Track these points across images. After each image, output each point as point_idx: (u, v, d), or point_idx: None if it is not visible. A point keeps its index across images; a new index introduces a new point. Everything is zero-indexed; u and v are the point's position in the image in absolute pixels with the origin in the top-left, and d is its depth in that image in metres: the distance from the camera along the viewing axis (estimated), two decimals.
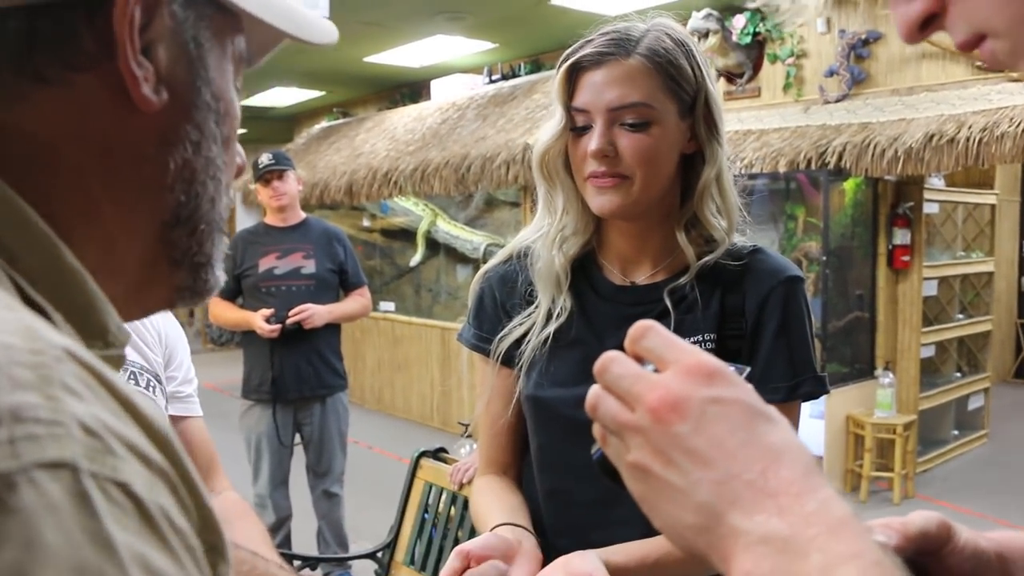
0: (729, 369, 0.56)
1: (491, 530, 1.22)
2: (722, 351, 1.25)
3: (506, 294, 1.36)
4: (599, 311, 1.31)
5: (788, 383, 1.25)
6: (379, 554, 3.12)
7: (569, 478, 1.30)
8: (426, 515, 3.03)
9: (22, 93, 0.49)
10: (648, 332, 0.58)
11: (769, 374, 1.25)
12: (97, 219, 0.53)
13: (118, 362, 0.52)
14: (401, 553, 3.05)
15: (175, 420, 1.49)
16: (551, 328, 1.29)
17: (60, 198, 0.51)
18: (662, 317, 1.27)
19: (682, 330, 1.26)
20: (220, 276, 0.62)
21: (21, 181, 0.48)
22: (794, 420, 1.28)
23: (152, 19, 0.52)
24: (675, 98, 1.23)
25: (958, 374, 6.68)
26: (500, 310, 1.36)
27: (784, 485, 0.50)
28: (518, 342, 1.32)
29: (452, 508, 2.93)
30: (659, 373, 0.56)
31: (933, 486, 5.77)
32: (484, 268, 1.41)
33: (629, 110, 1.20)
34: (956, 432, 6.60)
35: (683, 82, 1.23)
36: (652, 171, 1.22)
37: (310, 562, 3.48)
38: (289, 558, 3.32)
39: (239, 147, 0.64)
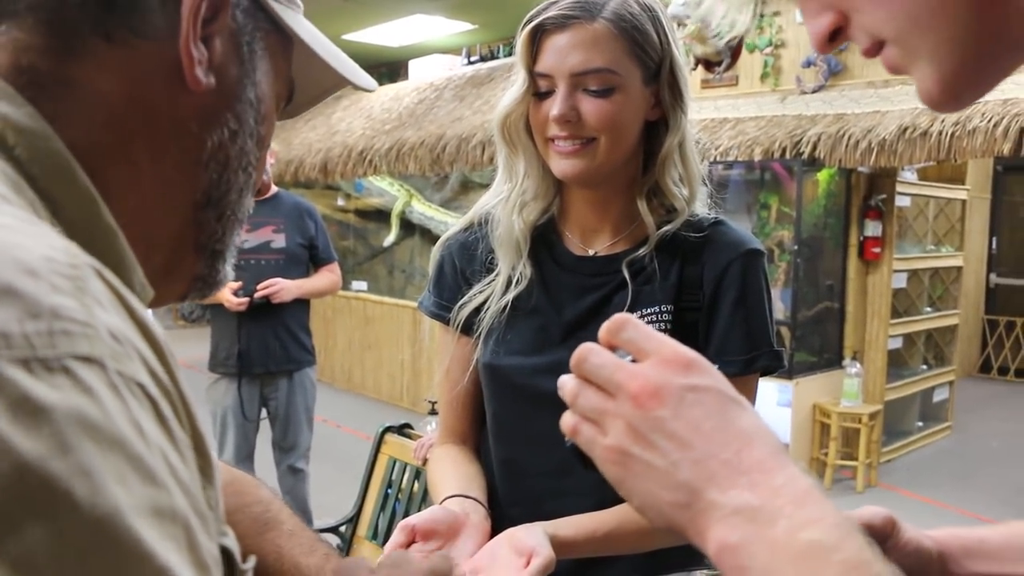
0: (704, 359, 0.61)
1: (441, 502, 1.21)
2: (678, 323, 1.24)
3: (466, 261, 1.35)
4: (558, 281, 1.30)
5: (744, 356, 1.24)
6: (342, 528, 3.11)
7: (522, 447, 1.29)
8: (389, 490, 3.03)
9: (92, 49, 0.55)
10: (627, 324, 0.63)
11: (725, 347, 1.23)
12: (137, 183, 0.57)
13: None
14: (364, 527, 3.05)
15: None
16: (510, 296, 1.28)
17: (107, 156, 0.55)
18: (620, 289, 1.26)
19: (639, 302, 1.25)
20: (230, 270, 0.67)
21: (80, 135, 0.53)
22: (750, 394, 1.27)
23: (216, 15, 0.59)
24: (640, 64, 1.21)
25: (924, 367, 6.75)
26: (460, 277, 1.35)
27: (755, 463, 0.56)
28: (477, 310, 1.31)
29: (416, 483, 2.93)
30: (637, 363, 0.60)
31: (896, 475, 5.84)
32: (445, 235, 1.40)
33: (592, 75, 1.18)
34: (920, 423, 6.68)
35: (648, 48, 1.21)
36: (615, 137, 1.21)
37: None
38: None
39: None
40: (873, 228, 5.85)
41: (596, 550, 1.18)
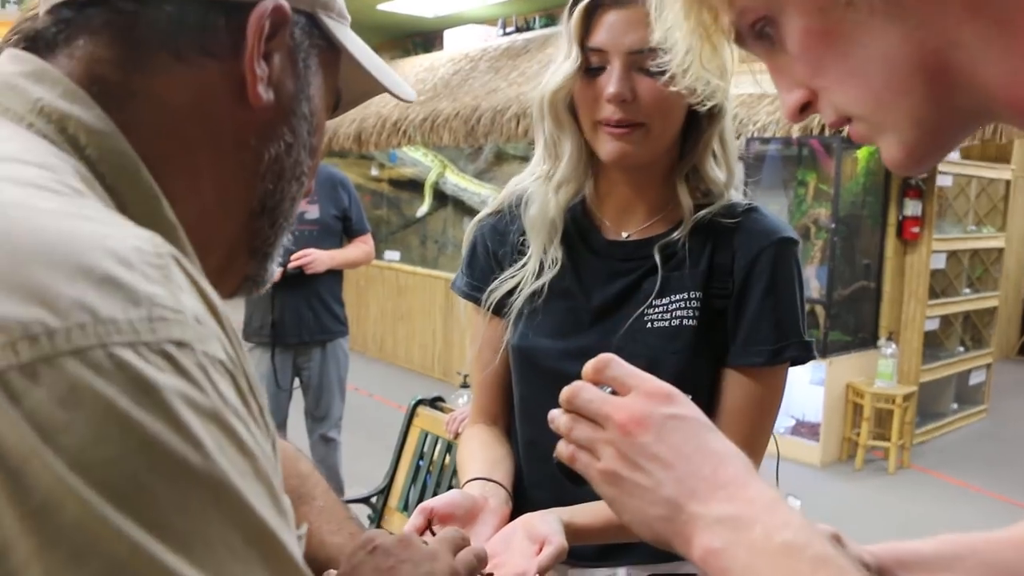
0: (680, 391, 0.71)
1: (464, 484, 1.22)
2: (706, 310, 1.23)
3: (498, 243, 1.34)
4: (589, 265, 1.29)
5: (772, 346, 1.22)
6: (373, 499, 3.14)
7: (547, 430, 1.28)
8: (421, 462, 3.05)
9: (162, 64, 0.59)
10: (611, 363, 0.72)
11: (754, 336, 1.22)
12: (198, 190, 0.61)
13: None
14: (395, 499, 3.07)
15: None
16: (542, 281, 1.27)
17: (170, 165, 0.59)
18: (649, 274, 1.25)
19: (668, 288, 1.24)
20: (276, 268, 0.72)
21: (142, 142, 0.56)
22: (778, 384, 1.25)
23: (276, 33, 0.62)
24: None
25: (961, 348, 6.66)
26: (492, 259, 1.35)
27: (730, 478, 0.65)
28: (510, 292, 1.30)
29: (447, 456, 2.94)
30: (621, 396, 0.70)
31: (928, 457, 5.78)
32: (478, 216, 1.39)
33: (650, 55, 1.15)
34: (955, 406, 6.60)
35: None
36: (667, 119, 1.19)
37: None
38: None
39: None
40: (913, 207, 5.75)
41: (614, 536, 1.18)
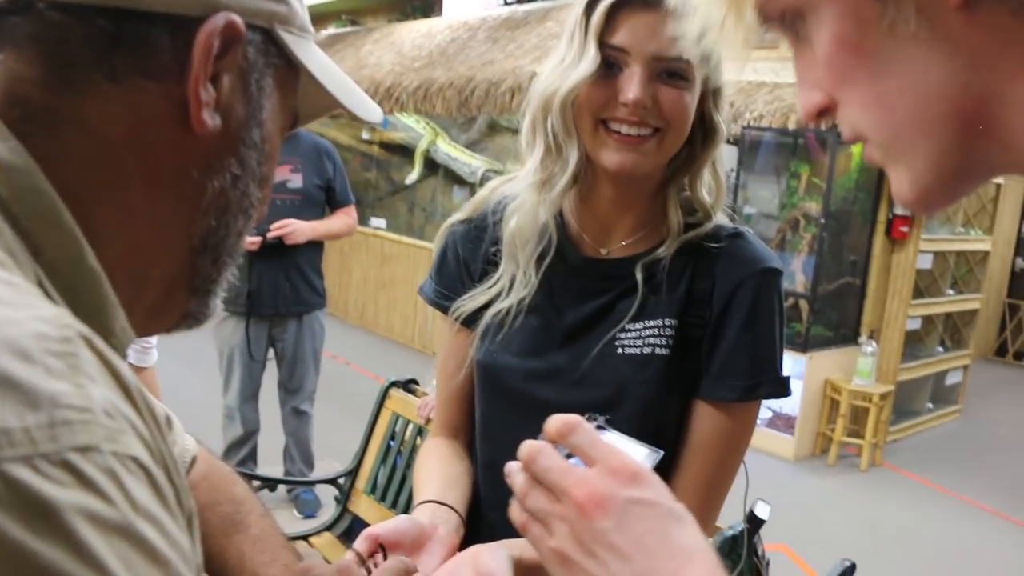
0: (649, 470, 0.64)
1: (416, 505, 1.18)
2: (681, 339, 1.18)
3: (469, 251, 1.28)
4: (563, 282, 1.23)
5: (746, 382, 1.17)
6: (340, 480, 3.11)
7: (508, 452, 1.23)
8: (391, 443, 3.02)
9: (94, 86, 0.52)
10: (576, 429, 0.66)
11: (728, 369, 1.17)
12: (132, 226, 0.55)
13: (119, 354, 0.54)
14: (362, 481, 3.04)
15: (133, 370, 1.47)
16: (512, 299, 1.21)
17: (101, 198, 0.53)
18: (625, 296, 1.20)
19: (643, 313, 1.19)
20: (218, 303, 0.66)
21: (69, 172, 0.51)
22: (749, 420, 1.21)
23: (227, 52, 0.56)
24: (704, 63, 1.13)
25: (940, 348, 6.68)
26: (462, 268, 1.28)
27: None
28: (479, 305, 1.25)
29: (418, 439, 2.91)
30: (585, 469, 0.63)
31: (901, 456, 5.81)
32: (449, 221, 1.32)
33: (674, 63, 1.10)
34: (931, 405, 6.63)
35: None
36: (679, 131, 1.13)
37: (269, 483, 3.47)
38: (249, 478, 3.30)
39: None
40: (903, 207, 5.72)
41: None
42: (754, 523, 1.34)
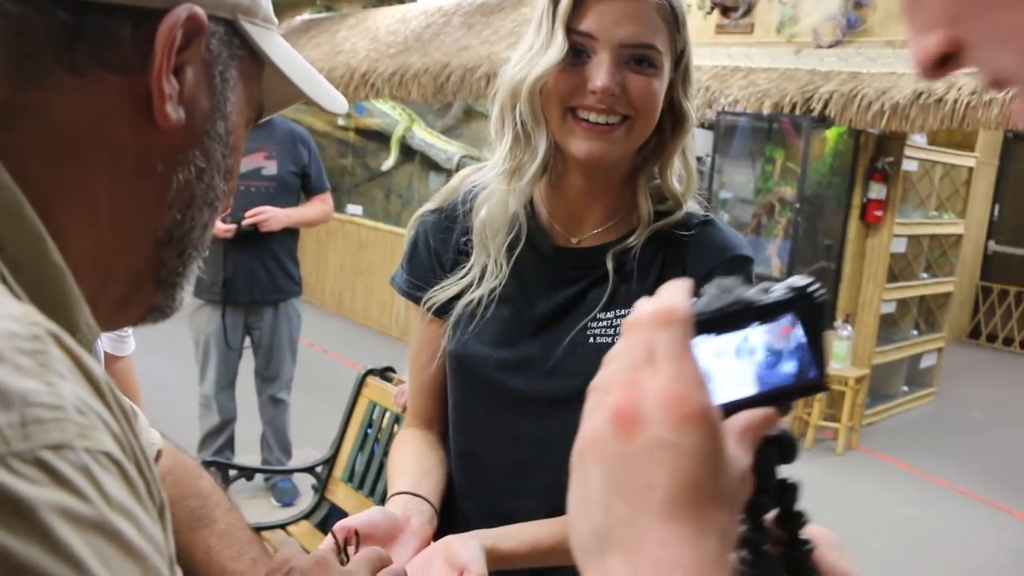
0: (715, 412, 0.48)
1: (389, 497, 1.17)
2: None
3: (440, 241, 1.27)
4: (534, 271, 1.22)
5: None
6: (318, 469, 3.10)
7: (481, 442, 1.25)
8: (369, 430, 3.01)
9: (55, 79, 0.52)
10: (672, 324, 0.50)
11: None
12: (95, 220, 0.55)
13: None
14: (340, 469, 3.04)
15: (110, 360, 1.45)
16: (483, 289, 1.21)
17: (64, 192, 0.53)
18: (596, 285, 1.20)
19: (614, 301, 1.19)
20: (185, 297, 0.65)
21: (30, 166, 0.51)
22: None
23: (190, 44, 0.55)
24: (672, 48, 1.14)
25: (915, 332, 6.74)
26: (433, 258, 1.27)
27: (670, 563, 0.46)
28: (450, 296, 1.24)
29: (395, 427, 2.91)
30: (653, 371, 0.50)
31: (876, 439, 5.86)
32: (420, 212, 1.31)
33: (642, 50, 1.10)
34: (906, 388, 6.70)
35: (680, 34, 1.14)
36: (648, 120, 1.13)
37: (247, 472, 3.45)
38: (226, 467, 3.28)
39: None
40: (877, 191, 5.76)
41: (539, 562, 1.14)
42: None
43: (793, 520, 0.56)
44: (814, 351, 0.53)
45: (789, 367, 0.53)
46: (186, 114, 0.57)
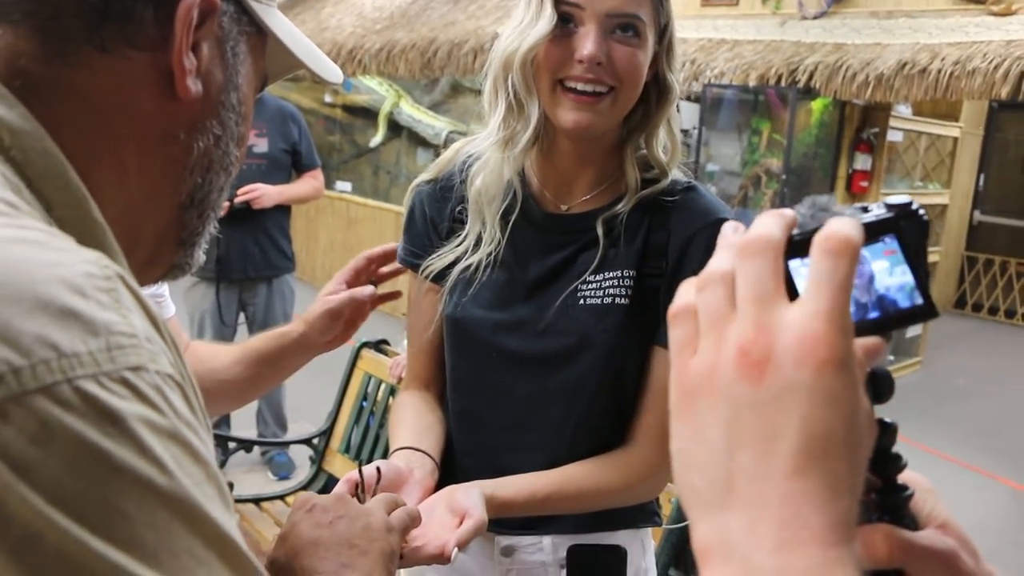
0: (855, 358, 0.42)
1: (392, 452, 1.23)
2: (639, 289, 1.23)
3: (436, 210, 1.32)
4: (527, 237, 1.27)
5: None
6: (315, 440, 3.15)
7: (479, 400, 1.30)
8: (364, 403, 3.06)
9: (86, 58, 0.57)
10: (764, 252, 0.44)
11: None
12: (125, 186, 0.61)
13: None
14: (337, 441, 3.09)
15: None
16: (480, 255, 1.26)
17: (97, 161, 0.58)
18: (586, 249, 1.24)
19: (603, 265, 1.24)
20: (202, 255, 0.72)
21: (68, 138, 0.56)
22: None
23: (204, 23, 0.61)
24: (656, 20, 1.18)
25: None
26: (430, 226, 1.32)
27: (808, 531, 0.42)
28: (448, 263, 1.29)
29: (390, 399, 2.96)
30: (796, 301, 0.43)
31: None
32: (416, 181, 1.36)
33: (626, 19, 1.14)
34: (892, 357, 6.78)
35: (663, 8, 1.19)
36: (633, 89, 1.17)
37: (246, 444, 3.50)
38: (225, 440, 3.33)
39: None
40: (863, 161, 5.82)
41: (536, 510, 1.20)
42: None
43: (891, 464, 0.51)
44: (918, 275, 0.47)
45: (894, 293, 0.47)
46: (203, 87, 0.62)
